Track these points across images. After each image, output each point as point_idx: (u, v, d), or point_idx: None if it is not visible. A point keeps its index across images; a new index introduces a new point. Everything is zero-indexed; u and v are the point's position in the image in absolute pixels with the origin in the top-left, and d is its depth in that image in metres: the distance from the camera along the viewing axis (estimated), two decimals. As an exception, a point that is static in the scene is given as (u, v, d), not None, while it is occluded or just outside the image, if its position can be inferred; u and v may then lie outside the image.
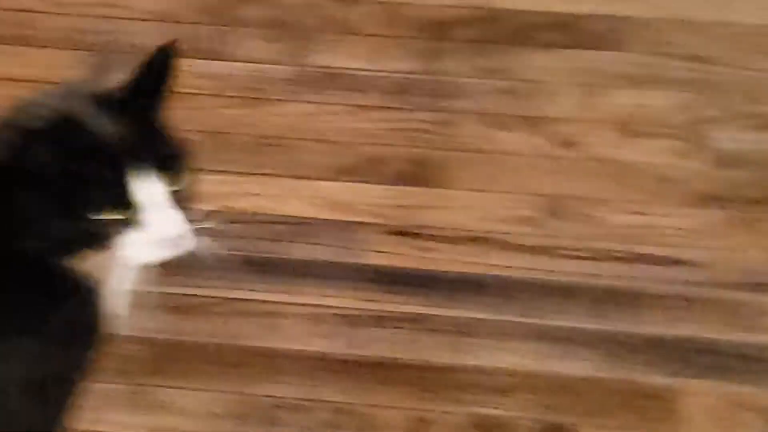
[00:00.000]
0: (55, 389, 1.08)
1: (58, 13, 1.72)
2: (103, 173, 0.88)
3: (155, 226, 0.89)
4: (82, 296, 1.00)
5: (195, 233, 0.92)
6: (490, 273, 1.46)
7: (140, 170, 0.89)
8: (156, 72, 0.93)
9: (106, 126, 0.90)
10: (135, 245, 0.90)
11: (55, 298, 0.99)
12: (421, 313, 1.46)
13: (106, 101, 0.92)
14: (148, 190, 0.89)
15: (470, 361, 1.41)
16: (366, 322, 1.43)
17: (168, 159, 0.91)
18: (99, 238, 0.89)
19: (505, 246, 1.47)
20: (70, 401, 1.11)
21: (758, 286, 1.48)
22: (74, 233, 0.91)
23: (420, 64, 1.72)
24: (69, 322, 1.01)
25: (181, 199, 0.92)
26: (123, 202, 0.88)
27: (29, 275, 0.98)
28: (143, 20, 1.74)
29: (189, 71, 1.58)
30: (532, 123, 1.63)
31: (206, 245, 0.95)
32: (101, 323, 1.02)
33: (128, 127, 0.91)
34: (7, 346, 0.99)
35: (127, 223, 0.88)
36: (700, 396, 1.41)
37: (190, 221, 0.92)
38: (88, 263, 0.94)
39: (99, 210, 0.88)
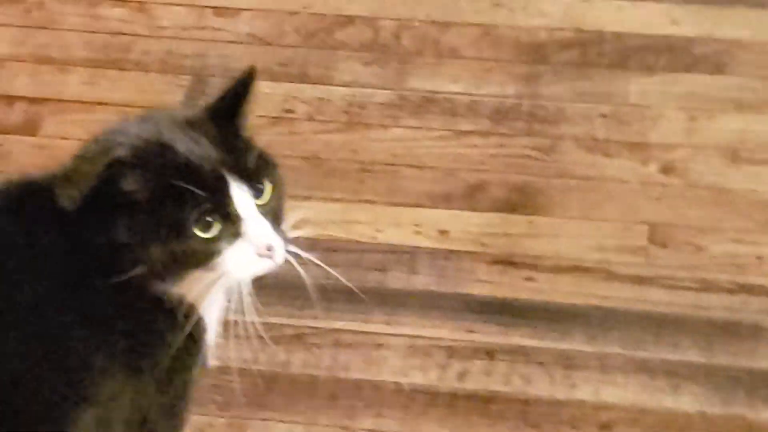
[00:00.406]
0: (160, 424, 1.08)
1: (157, 36, 1.72)
2: (202, 190, 0.88)
3: (255, 235, 0.89)
4: (184, 328, 0.99)
5: (288, 248, 0.93)
6: (594, 303, 1.43)
7: (234, 184, 0.89)
8: (238, 93, 0.94)
9: (195, 145, 0.91)
10: (236, 259, 0.90)
11: (157, 331, 0.98)
12: (522, 345, 1.44)
13: (190, 123, 0.94)
14: (245, 203, 0.89)
15: (573, 394, 1.37)
16: (467, 353, 1.40)
17: (258, 172, 0.91)
18: (203, 255, 0.89)
19: (608, 276, 1.43)
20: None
21: None
22: (179, 254, 0.90)
23: (520, 88, 1.69)
24: (173, 355, 1.00)
25: (273, 211, 0.92)
26: (224, 215, 0.88)
27: (130, 310, 0.97)
28: (239, 44, 1.74)
29: (285, 95, 1.58)
30: (636, 149, 1.58)
31: (303, 273, 0.95)
32: (203, 354, 1.01)
33: (216, 145, 0.92)
34: (112, 384, 0.99)
35: (228, 237, 0.89)
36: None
37: (284, 232, 0.93)
38: (189, 291, 0.95)
39: (201, 225, 0.88)
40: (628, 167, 1.56)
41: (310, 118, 1.61)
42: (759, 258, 1.46)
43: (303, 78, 1.68)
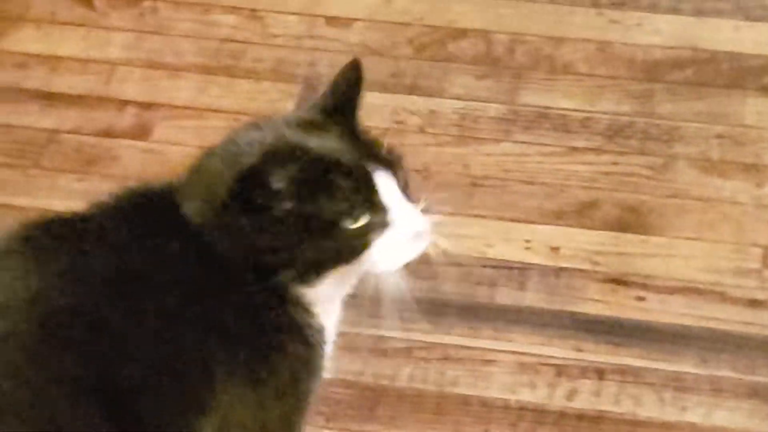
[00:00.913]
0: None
1: (269, 45, 1.74)
2: (346, 182, 0.88)
3: (406, 222, 0.88)
4: (308, 338, 0.99)
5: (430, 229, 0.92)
6: (706, 326, 1.41)
7: (377, 173, 0.88)
8: (349, 89, 0.94)
9: (325, 142, 0.91)
10: (386, 248, 0.89)
11: (280, 341, 0.98)
12: (633, 366, 1.42)
13: (309, 122, 0.93)
14: (390, 191, 0.88)
15: (683, 417, 1.36)
16: (576, 372, 1.41)
17: (393, 161, 0.91)
18: (353, 249, 0.89)
19: (721, 298, 1.42)
20: None
21: None
22: (329, 250, 0.90)
23: (635, 106, 1.68)
24: (295, 366, 1.00)
25: (410, 198, 0.92)
26: (371, 205, 0.87)
27: (253, 319, 0.98)
28: (351, 54, 1.70)
29: (396, 106, 1.59)
30: (751, 170, 1.57)
31: (409, 287, 0.92)
32: (323, 364, 1.01)
33: (345, 140, 0.92)
34: (233, 394, 0.99)
35: (377, 227, 0.88)
36: None
37: (426, 214, 0.91)
38: (321, 295, 0.94)
39: (350, 218, 0.88)
40: (743, 189, 1.54)
41: (421, 131, 1.61)
42: None
43: (414, 90, 1.68)
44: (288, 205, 0.88)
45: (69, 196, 1.52)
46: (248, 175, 0.88)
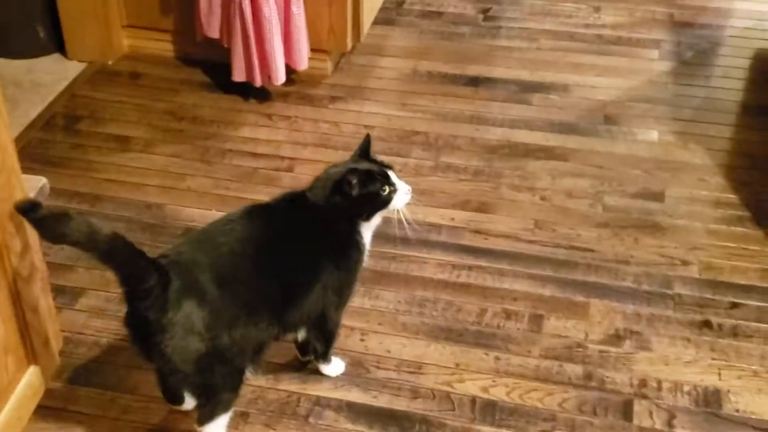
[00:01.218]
0: (342, 296, 1.93)
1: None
2: (384, 177, 1.84)
3: (402, 189, 1.86)
4: (359, 247, 1.89)
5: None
6: None
7: (391, 173, 1.86)
8: (366, 147, 1.91)
9: (368, 165, 1.85)
10: (397, 199, 1.85)
11: (352, 253, 1.89)
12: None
13: (358, 159, 1.90)
14: (395, 178, 1.85)
15: None
16: None
17: (390, 166, 1.89)
18: (386, 201, 1.84)
19: None
20: (346, 304, 1.97)
21: None
22: (379, 204, 1.84)
23: None
24: (354, 260, 1.89)
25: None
26: (391, 184, 1.84)
27: (341, 246, 1.88)
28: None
29: None
30: None
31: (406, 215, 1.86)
32: (362, 266, 1.92)
33: (373, 163, 1.87)
34: (329, 275, 1.86)
35: (393, 192, 1.85)
36: None
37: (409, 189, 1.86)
38: (368, 229, 1.89)
39: (386, 190, 1.84)
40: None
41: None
42: None
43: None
44: (356, 191, 1.79)
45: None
46: (340, 180, 1.78)
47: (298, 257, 1.82)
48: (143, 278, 1.61)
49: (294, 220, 1.84)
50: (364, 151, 1.92)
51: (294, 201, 1.88)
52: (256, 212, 1.84)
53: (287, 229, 1.83)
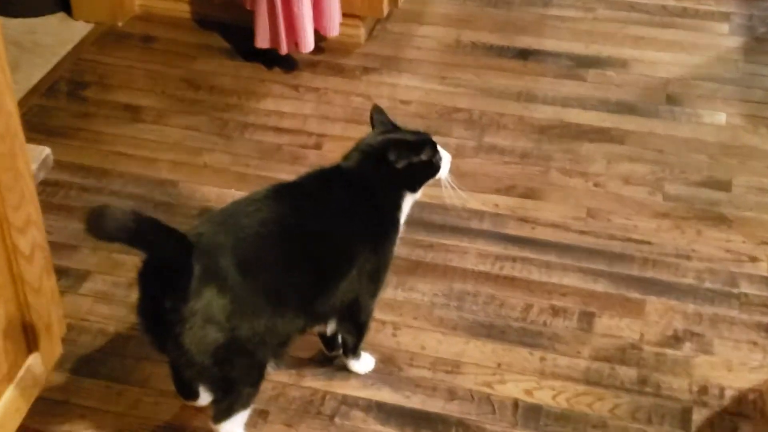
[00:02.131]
0: (376, 282, 1.95)
1: None
2: (432, 148, 1.92)
3: (446, 157, 1.95)
4: (395, 225, 1.92)
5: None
6: None
7: (437, 143, 1.93)
8: (381, 116, 1.99)
9: (404, 135, 1.94)
10: (444, 167, 1.94)
11: (389, 231, 1.92)
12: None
13: (389, 131, 1.95)
14: (441, 149, 1.94)
15: None
16: None
17: (430, 136, 1.94)
18: (435, 169, 1.93)
19: None
20: (381, 291, 1.99)
21: None
22: (429, 173, 1.94)
23: None
24: (392, 240, 1.93)
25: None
26: (437, 154, 1.92)
27: (381, 224, 1.91)
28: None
29: None
30: None
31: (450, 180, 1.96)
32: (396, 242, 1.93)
33: (409, 132, 1.95)
34: (359, 251, 1.86)
35: (439, 161, 1.93)
36: None
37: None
38: (407, 202, 1.93)
39: (435, 159, 1.92)
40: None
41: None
42: None
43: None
44: (405, 161, 1.86)
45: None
46: (387, 149, 1.85)
47: (331, 240, 1.83)
48: (168, 260, 1.64)
49: (325, 199, 1.86)
50: (382, 119, 1.98)
51: (325, 178, 1.90)
52: (283, 192, 1.86)
53: (318, 210, 1.84)
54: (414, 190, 1.93)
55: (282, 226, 1.78)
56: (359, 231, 1.87)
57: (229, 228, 1.75)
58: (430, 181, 1.94)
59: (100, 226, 1.57)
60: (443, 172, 1.95)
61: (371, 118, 1.95)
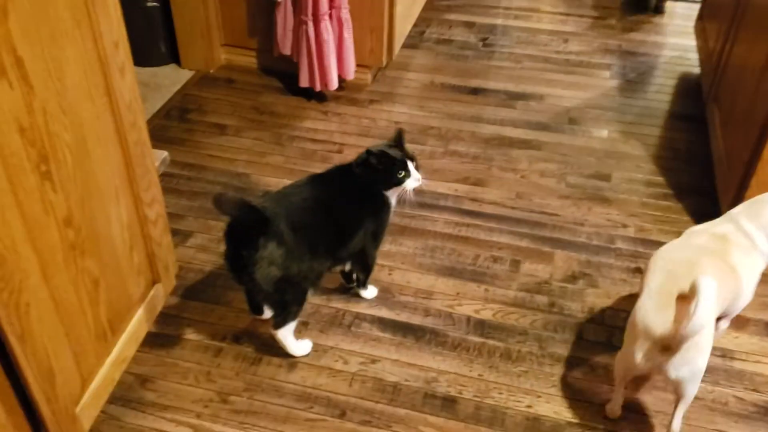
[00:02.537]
0: (377, 239, 1.90)
1: None
2: (402, 164, 1.74)
3: (413, 176, 1.78)
4: (387, 205, 1.84)
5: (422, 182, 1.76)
6: None
7: (407, 161, 1.75)
8: (399, 138, 1.80)
9: (395, 152, 1.78)
10: (409, 182, 1.78)
11: (382, 210, 1.84)
12: None
13: (392, 146, 1.80)
14: (411, 167, 1.76)
15: None
16: None
17: (412, 158, 1.77)
18: (401, 181, 1.77)
19: None
20: (380, 245, 1.93)
21: None
22: (396, 182, 1.77)
23: None
24: (384, 213, 1.85)
25: (417, 168, 1.77)
26: (407, 170, 1.76)
27: (375, 204, 1.82)
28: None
29: None
30: None
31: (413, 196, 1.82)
32: (389, 221, 1.87)
33: (401, 151, 1.78)
34: (368, 223, 1.82)
35: (406, 177, 1.76)
36: None
37: (421, 177, 1.78)
38: (391, 196, 1.83)
39: (401, 174, 1.77)
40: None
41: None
42: None
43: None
44: (376, 166, 1.74)
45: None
46: (366, 158, 1.74)
47: (347, 210, 1.80)
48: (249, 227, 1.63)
49: (343, 184, 1.81)
50: (398, 140, 1.85)
51: (342, 172, 1.85)
52: (316, 179, 1.82)
53: (339, 191, 1.80)
54: (386, 188, 1.82)
55: (316, 201, 1.75)
56: (364, 206, 1.83)
57: (283, 203, 1.73)
58: (398, 190, 1.82)
59: (219, 204, 1.60)
60: (408, 186, 1.79)
61: (396, 133, 1.86)
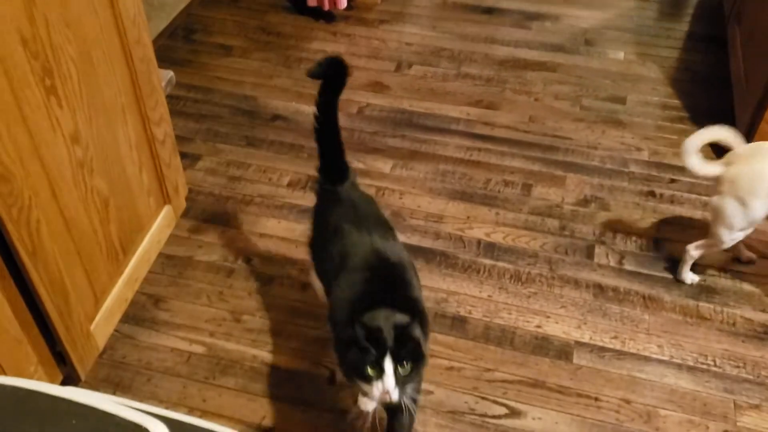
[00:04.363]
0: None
1: None
2: (374, 358, 1.12)
3: (382, 387, 1.11)
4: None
5: (404, 399, 1.14)
6: None
7: (388, 359, 1.13)
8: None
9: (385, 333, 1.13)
10: (370, 390, 1.12)
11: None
12: None
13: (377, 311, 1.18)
14: (388, 370, 1.12)
15: None
16: None
17: (405, 356, 1.12)
18: (364, 379, 1.13)
19: None
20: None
21: None
22: (361, 379, 1.14)
23: None
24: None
25: (404, 378, 1.11)
26: (379, 369, 1.11)
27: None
28: None
29: None
30: None
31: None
32: None
33: (390, 337, 1.13)
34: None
35: (377, 377, 1.11)
36: None
37: (407, 390, 1.13)
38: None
39: (371, 368, 1.13)
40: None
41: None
42: None
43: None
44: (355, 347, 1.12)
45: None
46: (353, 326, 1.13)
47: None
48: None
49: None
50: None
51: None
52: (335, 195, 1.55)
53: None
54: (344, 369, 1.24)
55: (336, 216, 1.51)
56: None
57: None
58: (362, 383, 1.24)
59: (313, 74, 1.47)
60: (370, 395, 1.18)
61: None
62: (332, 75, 1.45)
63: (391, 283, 1.24)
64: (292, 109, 2.50)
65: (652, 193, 2.28)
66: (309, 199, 2.08)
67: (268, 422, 1.63)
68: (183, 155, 2.23)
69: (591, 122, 2.50)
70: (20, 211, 1.35)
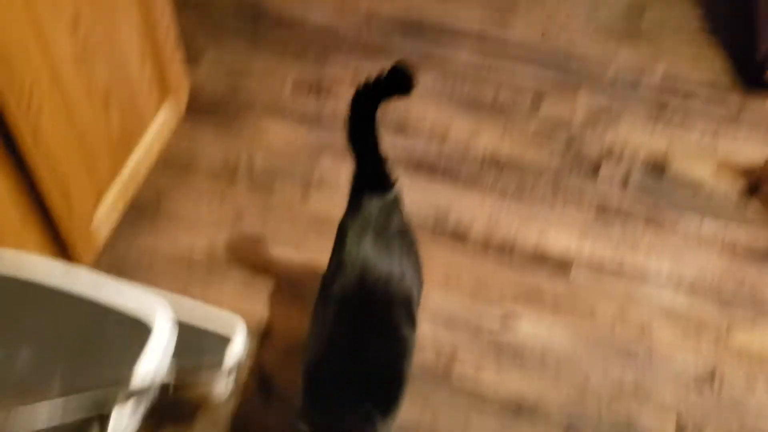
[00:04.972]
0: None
1: None
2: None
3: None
4: None
5: None
6: None
7: None
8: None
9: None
10: None
11: None
12: None
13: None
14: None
15: None
16: None
17: None
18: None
19: None
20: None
21: None
22: None
23: None
24: None
25: None
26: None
27: None
28: None
29: None
30: None
31: None
32: None
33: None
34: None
35: None
36: None
37: None
38: None
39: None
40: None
41: None
42: None
43: None
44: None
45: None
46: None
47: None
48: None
49: None
50: None
51: None
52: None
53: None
54: None
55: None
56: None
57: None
58: None
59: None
60: None
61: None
62: (392, 84, 1.30)
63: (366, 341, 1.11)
64: (299, 12, 2.42)
65: (664, 110, 2.23)
66: (313, 104, 2.10)
67: (265, 314, 1.66)
68: (186, 54, 2.20)
69: (606, 36, 2.43)
70: (21, 95, 1.34)
